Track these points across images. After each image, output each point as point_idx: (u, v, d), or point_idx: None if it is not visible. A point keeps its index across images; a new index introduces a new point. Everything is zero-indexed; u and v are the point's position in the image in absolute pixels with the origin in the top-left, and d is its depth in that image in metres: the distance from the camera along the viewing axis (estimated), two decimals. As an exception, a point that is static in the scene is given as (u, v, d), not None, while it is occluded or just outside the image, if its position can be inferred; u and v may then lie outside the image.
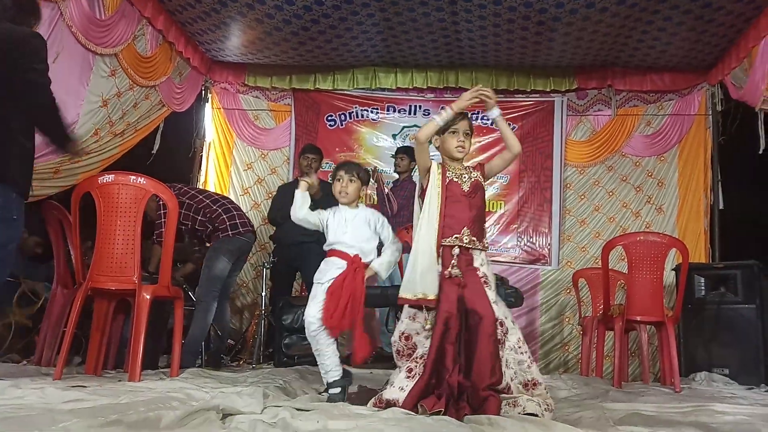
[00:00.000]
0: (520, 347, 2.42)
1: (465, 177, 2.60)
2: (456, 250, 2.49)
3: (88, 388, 2.27)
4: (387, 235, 2.86)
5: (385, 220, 2.89)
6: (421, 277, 2.43)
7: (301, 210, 2.80)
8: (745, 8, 4.63)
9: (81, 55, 4.29)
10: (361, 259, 2.74)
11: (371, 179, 3.73)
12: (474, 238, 2.52)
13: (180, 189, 4.15)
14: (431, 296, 2.41)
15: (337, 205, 2.86)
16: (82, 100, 4.39)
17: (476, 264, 2.52)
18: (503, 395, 2.30)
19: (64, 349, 2.88)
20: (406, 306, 2.55)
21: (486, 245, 2.60)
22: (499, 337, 2.39)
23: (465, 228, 2.52)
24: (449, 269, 2.46)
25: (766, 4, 4.50)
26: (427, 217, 2.52)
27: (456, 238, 2.51)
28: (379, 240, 2.86)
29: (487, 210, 5.98)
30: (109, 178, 3.09)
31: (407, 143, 6.32)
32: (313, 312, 2.66)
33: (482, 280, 2.48)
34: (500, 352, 2.37)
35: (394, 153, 5.58)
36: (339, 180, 2.84)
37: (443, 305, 2.42)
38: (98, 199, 3.06)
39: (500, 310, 2.46)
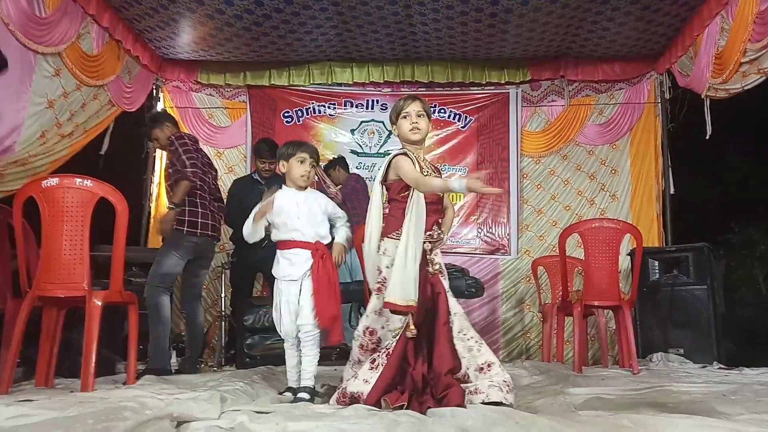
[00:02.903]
0: (465, 334, 2.42)
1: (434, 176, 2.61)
2: (428, 246, 2.50)
3: (36, 402, 2.17)
4: (338, 214, 2.87)
5: (330, 200, 2.91)
6: (414, 283, 2.37)
7: (252, 238, 2.79)
8: (688, -3, 4.76)
9: (21, 54, 4.11)
10: (322, 244, 2.74)
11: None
12: (441, 232, 2.58)
13: (195, 145, 3.97)
14: (414, 303, 2.38)
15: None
16: (26, 102, 4.22)
17: (438, 256, 2.56)
18: (464, 384, 2.30)
19: (9, 361, 2.76)
20: (372, 299, 2.53)
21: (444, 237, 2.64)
22: (451, 325, 2.42)
23: (434, 225, 2.55)
24: (431, 266, 2.48)
25: (708, -7, 4.64)
26: (415, 218, 2.42)
27: (429, 235, 2.52)
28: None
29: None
30: (53, 181, 2.97)
31: (365, 138, 6.30)
32: (309, 319, 2.65)
33: (436, 268, 2.52)
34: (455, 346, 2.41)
35: (325, 168, 5.42)
36: (302, 162, 2.77)
37: (420, 301, 2.41)
38: (42, 204, 2.93)
39: (451, 299, 2.49)
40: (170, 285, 3.80)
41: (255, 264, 4.74)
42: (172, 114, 6.19)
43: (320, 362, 4.20)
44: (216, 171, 4.21)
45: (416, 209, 2.43)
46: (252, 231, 2.75)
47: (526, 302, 6.00)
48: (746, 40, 4.07)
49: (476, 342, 2.40)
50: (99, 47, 4.93)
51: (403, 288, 2.34)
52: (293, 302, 2.72)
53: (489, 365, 2.34)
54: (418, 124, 2.57)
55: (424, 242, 2.46)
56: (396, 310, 2.35)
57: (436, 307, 2.43)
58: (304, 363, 2.70)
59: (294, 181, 2.81)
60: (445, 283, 2.51)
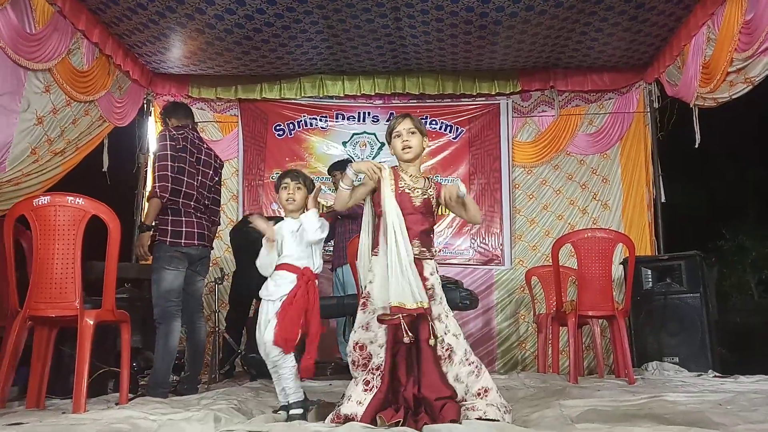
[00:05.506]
0: (467, 359, 2.37)
1: (418, 192, 2.56)
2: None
3: (27, 425, 2.14)
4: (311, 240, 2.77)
5: (325, 223, 2.81)
6: (417, 286, 2.34)
7: (266, 270, 2.76)
8: (675, 8, 4.81)
9: (11, 70, 4.10)
10: (311, 270, 2.72)
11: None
12: (424, 249, 2.51)
13: (184, 140, 3.56)
14: (426, 304, 2.34)
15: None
16: (15, 119, 4.20)
17: (426, 273, 2.49)
18: (462, 403, 2.29)
19: (1, 380, 2.73)
20: (359, 315, 2.51)
21: (435, 253, 2.59)
22: (439, 353, 2.35)
23: (415, 239, 2.50)
24: None
25: (696, 3, 4.69)
26: (393, 223, 2.42)
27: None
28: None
29: (439, 213, 6.08)
30: (44, 200, 2.95)
31: (357, 150, 6.31)
32: (270, 336, 2.60)
33: (429, 293, 2.43)
34: (443, 368, 2.34)
35: (331, 168, 5.48)
36: (285, 188, 2.84)
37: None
38: (33, 222, 2.91)
39: (441, 325, 2.39)
40: (179, 300, 3.43)
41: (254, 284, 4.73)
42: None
43: (316, 377, 4.19)
44: (214, 167, 3.78)
45: (389, 213, 2.44)
46: (266, 261, 2.75)
47: (521, 312, 5.99)
48: (733, 50, 4.12)
49: (476, 367, 2.36)
50: (89, 63, 4.93)
51: (408, 291, 2.31)
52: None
53: (486, 391, 2.31)
54: (410, 142, 2.59)
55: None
56: (404, 312, 2.30)
57: (419, 333, 2.37)
58: (282, 381, 2.65)
59: (283, 208, 2.86)
60: (435, 309, 2.41)
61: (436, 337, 2.35)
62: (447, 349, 2.37)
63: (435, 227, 2.65)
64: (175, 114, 3.80)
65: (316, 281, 2.76)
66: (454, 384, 2.33)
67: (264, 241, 2.76)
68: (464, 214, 2.61)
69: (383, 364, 2.37)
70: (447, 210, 6.01)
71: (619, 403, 2.63)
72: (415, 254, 2.46)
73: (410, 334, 2.31)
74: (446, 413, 2.20)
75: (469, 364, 2.34)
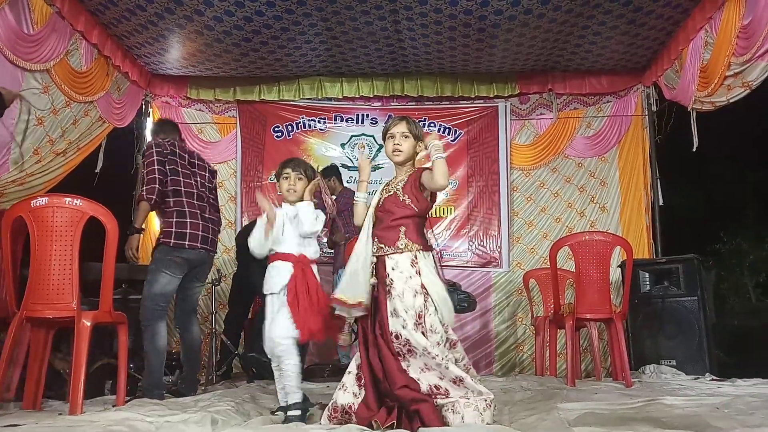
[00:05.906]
0: (429, 352, 2.28)
1: (384, 193, 2.58)
2: (373, 259, 2.50)
3: (23, 427, 2.13)
4: (307, 231, 2.78)
5: (320, 215, 2.82)
6: (365, 287, 2.43)
7: (260, 249, 2.76)
8: (673, 12, 4.82)
9: (8, 71, 4.10)
10: (306, 257, 2.72)
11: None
12: (382, 245, 2.48)
13: (173, 149, 3.55)
14: (366, 301, 2.41)
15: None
16: (13, 119, 4.20)
17: (387, 269, 2.44)
18: (439, 400, 2.26)
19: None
20: None
21: (403, 247, 2.45)
22: (397, 350, 2.33)
23: (375, 239, 2.51)
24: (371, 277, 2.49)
25: (694, 7, 4.70)
26: (363, 228, 2.54)
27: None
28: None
29: (437, 215, 6.10)
30: (42, 201, 2.94)
31: (356, 152, 6.31)
32: (282, 332, 2.60)
33: (386, 289, 2.41)
34: (402, 364, 2.32)
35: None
36: (286, 178, 2.84)
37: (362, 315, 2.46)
38: (31, 223, 2.90)
39: (398, 321, 2.34)
40: (165, 305, 3.43)
41: (254, 285, 4.75)
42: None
43: (312, 379, 4.19)
44: (209, 170, 3.79)
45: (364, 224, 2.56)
46: (261, 242, 2.74)
47: (519, 315, 5.99)
48: (730, 54, 4.13)
49: (445, 359, 2.30)
50: (88, 63, 4.92)
51: (354, 287, 2.39)
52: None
53: (461, 380, 2.28)
54: (400, 145, 2.56)
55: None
56: (344, 305, 2.39)
57: (378, 329, 2.40)
58: (283, 379, 2.65)
59: (284, 197, 2.85)
60: (391, 304, 2.38)
61: (390, 333, 2.35)
62: (405, 345, 2.31)
63: (414, 218, 2.52)
64: (162, 130, 3.82)
65: (314, 266, 2.76)
66: (419, 375, 2.30)
67: (260, 221, 2.75)
68: (430, 175, 2.45)
69: (360, 359, 2.43)
70: (445, 212, 6.11)
71: (616, 406, 2.63)
72: (374, 252, 2.48)
73: (344, 338, 2.46)
74: (426, 417, 2.18)
75: (435, 357, 2.28)
